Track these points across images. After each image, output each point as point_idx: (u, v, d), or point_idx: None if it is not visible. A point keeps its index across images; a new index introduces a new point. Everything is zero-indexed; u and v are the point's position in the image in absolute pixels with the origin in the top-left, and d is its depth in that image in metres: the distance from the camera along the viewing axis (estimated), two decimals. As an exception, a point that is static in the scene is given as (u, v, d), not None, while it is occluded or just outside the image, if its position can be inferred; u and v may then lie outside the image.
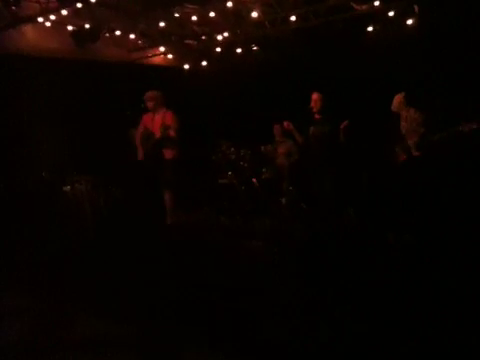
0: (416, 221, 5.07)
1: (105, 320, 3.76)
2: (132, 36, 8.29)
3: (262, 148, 8.18)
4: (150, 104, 6.30)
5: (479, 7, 5.55)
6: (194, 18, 7.62)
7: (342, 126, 5.65)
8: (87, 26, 7.08)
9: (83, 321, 3.76)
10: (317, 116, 5.89)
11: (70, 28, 7.27)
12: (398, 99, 5.46)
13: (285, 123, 6.05)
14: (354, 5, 6.84)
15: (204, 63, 9.35)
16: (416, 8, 6.55)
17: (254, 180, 7.72)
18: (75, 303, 4.13)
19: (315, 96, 5.89)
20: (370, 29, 7.25)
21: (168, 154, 6.28)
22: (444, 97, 5.35)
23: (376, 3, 6.67)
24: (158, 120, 6.26)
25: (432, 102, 5.28)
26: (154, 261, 5.20)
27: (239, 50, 8.90)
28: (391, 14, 6.80)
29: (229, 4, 6.92)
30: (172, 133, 6.13)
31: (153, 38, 8.60)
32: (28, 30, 7.13)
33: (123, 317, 3.79)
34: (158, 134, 6.13)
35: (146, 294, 4.29)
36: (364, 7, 6.83)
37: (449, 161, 5.24)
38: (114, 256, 5.36)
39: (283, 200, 7.49)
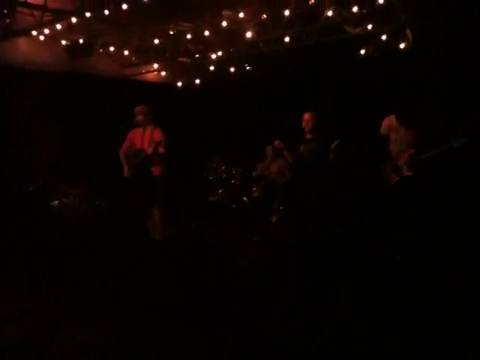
0: (409, 239, 5.09)
1: (95, 328, 3.71)
2: (126, 52, 8.31)
3: (256, 169, 8.19)
4: (140, 117, 6.33)
5: (472, 32, 5.65)
6: (188, 36, 7.66)
7: (332, 146, 5.68)
8: (81, 41, 7.08)
9: (72, 329, 3.70)
10: (309, 136, 5.93)
11: (64, 42, 7.27)
12: (387, 122, 5.50)
13: (276, 142, 6.09)
14: (347, 27, 6.92)
15: (197, 81, 9.39)
16: (409, 32, 6.64)
17: (245, 198, 7.70)
18: (64, 311, 4.10)
19: (307, 116, 5.94)
20: (362, 51, 7.35)
21: (155, 171, 6.29)
22: (435, 117, 5.41)
23: (369, 26, 6.75)
24: (147, 136, 6.27)
25: (423, 122, 5.33)
26: (142, 272, 5.15)
27: (232, 69, 8.95)
28: (384, 37, 6.89)
29: (224, 23, 6.98)
30: (162, 150, 6.15)
31: (147, 54, 8.62)
32: (21, 42, 7.12)
33: (112, 325, 3.76)
34: (147, 150, 6.13)
35: (135, 304, 4.26)
36: (357, 30, 6.91)
37: (440, 178, 5.29)
38: (102, 268, 5.32)
39: (274, 219, 7.48)
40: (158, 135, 6.19)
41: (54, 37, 7.11)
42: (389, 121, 5.49)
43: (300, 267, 4.98)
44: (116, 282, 4.74)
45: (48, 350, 3.35)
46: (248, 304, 4.00)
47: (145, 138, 6.28)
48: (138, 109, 6.37)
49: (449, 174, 5.33)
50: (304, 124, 5.94)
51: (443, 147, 4.91)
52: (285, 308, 3.93)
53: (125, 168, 6.39)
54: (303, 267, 4.96)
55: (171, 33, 7.72)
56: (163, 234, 6.41)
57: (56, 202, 7.18)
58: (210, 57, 8.37)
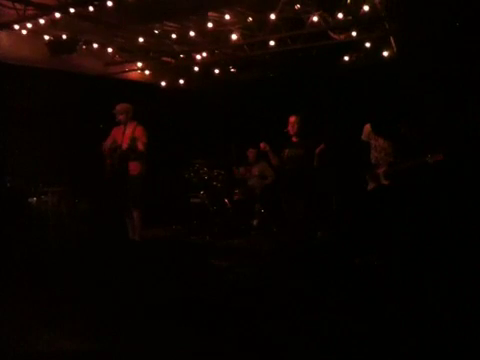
0: (383, 247, 5.18)
1: (62, 335, 3.62)
2: (110, 50, 8.22)
3: (235, 169, 8.19)
4: (121, 117, 6.28)
5: (455, 42, 5.76)
6: (173, 36, 7.62)
7: (317, 150, 5.70)
8: (64, 37, 6.98)
9: (40, 335, 3.61)
10: (294, 139, 5.94)
11: (46, 38, 7.15)
12: (367, 129, 5.57)
13: (262, 144, 6.09)
14: (331, 34, 6.98)
15: (181, 81, 9.35)
16: (392, 40, 6.73)
17: (226, 200, 7.68)
18: (32, 317, 4.00)
19: (292, 119, 5.95)
20: (346, 58, 7.43)
21: (133, 170, 6.23)
22: (412, 126, 5.51)
23: (353, 33, 6.82)
24: (128, 134, 6.23)
25: (400, 131, 5.42)
26: (118, 276, 5.09)
27: (217, 70, 8.95)
28: (368, 45, 6.97)
29: (209, 25, 6.97)
30: (140, 146, 6.11)
31: (131, 53, 8.55)
32: (3, 36, 6.98)
33: (82, 333, 3.67)
34: (126, 145, 6.10)
35: (107, 310, 4.19)
36: (342, 36, 6.97)
37: (415, 190, 5.39)
38: (77, 270, 5.26)
39: (254, 222, 7.48)
40: (138, 133, 6.16)
41: (37, 32, 6.99)
42: (369, 128, 5.56)
43: (267, 287, 4.98)
44: (96, 284, 4.68)
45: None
46: (239, 304, 4.04)
47: (126, 135, 6.24)
48: (118, 108, 6.32)
49: (424, 187, 5.45)
50: (289, 127, 5.96)
51: (419, 160, 5.00)
52: (275, 308, 3.96)
53: (107, 165, 6.35)
54: (270, 287, 4.96)
55: (156, 32, 7.68)
56: (142, 235, 6.36)
57: (34, 199, 7.06)
58: (195, 58, 8.35)
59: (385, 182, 5.33)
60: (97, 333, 3.65)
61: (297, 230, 5.95)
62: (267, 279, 5.07)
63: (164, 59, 8.88)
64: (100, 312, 4.10)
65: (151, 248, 6.25)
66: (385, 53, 6.87)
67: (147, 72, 9.21)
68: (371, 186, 5.47)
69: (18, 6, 6.23)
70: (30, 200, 6.97)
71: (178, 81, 9.34)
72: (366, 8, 6.05)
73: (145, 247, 6.20)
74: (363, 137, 5.60)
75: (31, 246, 6.03)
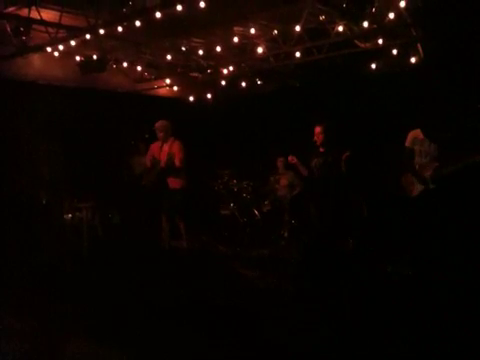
0: (420, 255, 5.09)
1: (96, 344, 3.74)
2: (138, 67, 8.42)
3: (269, 183, 8.20)
4: (161, 134, 6.44)
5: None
6: (200, 51, 7.76)
7: (343, 157, 5.70)
8: (94, 57, 7.19)
9: (75, 344, 3.74)
10: (321, 149, 5.94)
11: (77, 58, 7.39)
12: (412, 135, 5.54)
13: (289, 157, 6.11)
14: (357, 42, 6.95)
15: (209, 95, 9.48)
16: (419, 47, 6.65)
17: (256, 212, 7.70)
18: (68, 326, 4.15)
19: (318, 129, 5.97)
20: (373, 66, 7.37)
21: (175, 183, 6.36)
22: (457, 130, 5.44)
23: (379, 41, 6.77)
24: (166, 149, 6.40)
25: (446, 136, 5.36)
26: (149, 286, 5.19)
27: (243, 83, 9.03)
28: (394, 52, 6.91)
29: (235, 39, 7.06)
30: (177, 163, 6.25)
31: (159, 70, 8.73)
32: (35, 57, 7.25)
33: (114, 341, 3.78)
34: (164, 163, 6.26)
35: (139, 319, 4.29)
36: (368, 44, 6.93)
37: (463, 192, 5.30)
38: (111, 280, 5.40)
39: (285, 233, 7.46)
40: (176, 149, 6.31)
41: (68, 53, 7.23)
42: (414, 134, 5.55)
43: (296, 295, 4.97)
44: (114, 303, 4.76)
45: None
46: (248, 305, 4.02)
47: (163, 151, 6.42)
48: (159, 125, 6.47)
49: (471, 188, 5.35)
50: (316, 137, 5.97)
51: (465, 161, 4.95)
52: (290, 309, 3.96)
53: (144, 178, 6.54)
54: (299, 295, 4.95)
55: (183, 49, 7.83)
56: (188, 243, 6.49)
57: (70, 216, 7.26)
58: (221, 72, 8.45)
59: (432, 186, 5.27)
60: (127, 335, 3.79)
61: (327, 238, 5.91)
62: (294, 287, 5.06)
63: (191, 74, 9.03)
64: (128, 316, 4.25)
65: (181, 257, 6.32)
66: (412, 60, 6.79)
67: (175, 88, 9.37)
68: (417, 189, 5.41)
69: (50, 29, 6.46)
70: (66, 216, 7.18)
71: (206, 95, 9.47)
72: (391, 15, 6.00)
73: (175, 256, 6.28)
74: (407, 143, 5.57)
75: (66, 256, 6.21)
